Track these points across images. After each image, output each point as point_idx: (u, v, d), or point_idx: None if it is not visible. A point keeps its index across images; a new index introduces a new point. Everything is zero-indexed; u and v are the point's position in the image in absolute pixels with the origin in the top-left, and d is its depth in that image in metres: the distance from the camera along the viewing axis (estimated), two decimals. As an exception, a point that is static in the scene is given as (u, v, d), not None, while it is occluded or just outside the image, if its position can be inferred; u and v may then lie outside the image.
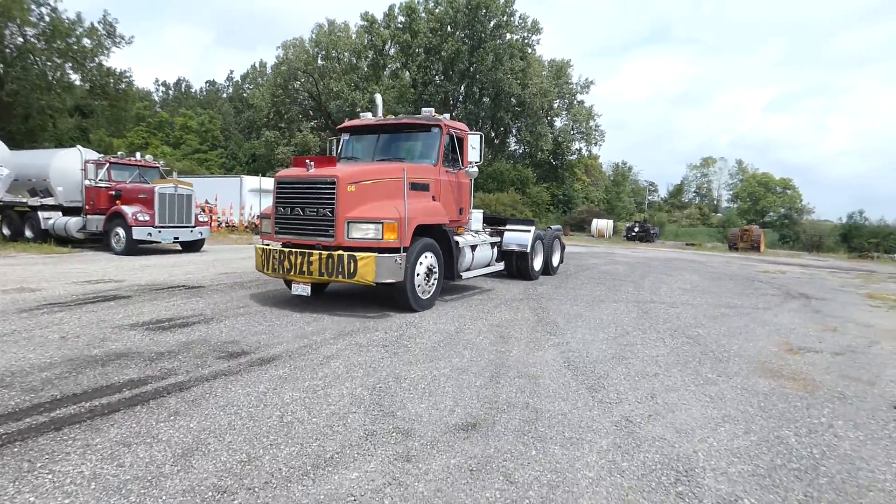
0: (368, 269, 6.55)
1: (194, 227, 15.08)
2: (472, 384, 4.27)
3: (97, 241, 15.37)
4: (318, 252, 6.79)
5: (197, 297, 7.69)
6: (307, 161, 7.12)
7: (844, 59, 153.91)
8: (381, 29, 72.82)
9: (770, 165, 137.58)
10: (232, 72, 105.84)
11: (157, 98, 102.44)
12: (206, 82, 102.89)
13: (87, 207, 15.09)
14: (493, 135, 77.59)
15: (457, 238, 8.21)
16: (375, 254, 6.61)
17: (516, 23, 68.48)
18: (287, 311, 6.87)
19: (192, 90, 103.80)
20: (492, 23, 67.08)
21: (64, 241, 15.57)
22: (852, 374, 5.09)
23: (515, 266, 10.90)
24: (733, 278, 14.52)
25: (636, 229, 48.36)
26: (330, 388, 4.04)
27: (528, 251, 10.75)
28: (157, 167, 16.40)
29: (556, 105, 77.38)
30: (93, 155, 16.51)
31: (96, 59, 56.16)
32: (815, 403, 4.19)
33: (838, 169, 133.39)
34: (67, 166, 15.84)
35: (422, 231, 7.33)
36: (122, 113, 63.33)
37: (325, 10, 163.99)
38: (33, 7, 50.59)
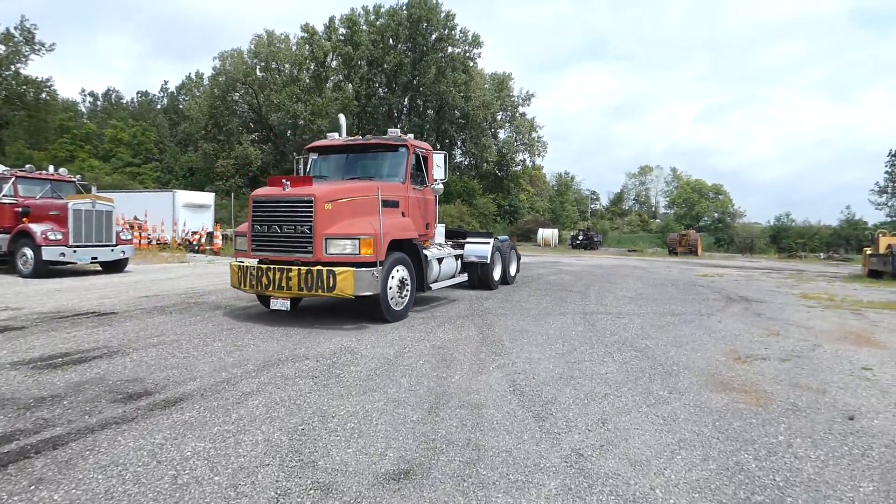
0: (347, 283, 6.82)
1: (115, 245, 13.90)
2: (408, 419, 3.81)
3: (4, 264, 13.92)
4: (296, 268, 7.00)
5: (105, 325, 6.86)
6: (283, 180, 7.33)
7: (764, 72, 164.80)
8: (323, 41, 71.82)
9: (702, 172, 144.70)
10: (166, 82, 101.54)
11: (83, 109, 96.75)
12: (138, 93, 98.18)
13: (-10, 227, 13.64)
14: (438, 146, 77.77)
15: (425, 252, 8.55)
16: (353, 268, 6.88)
17: (457, 36, 69.12)
18: (208, 340, 6.18)
19: (123, 101, 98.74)
20: (433, 36, 67.47)
21: (-35, 265, 14.01)
22: (802, 382, 4.97)
23: (477, 277, 11.25)
24: (675, 284, 14.74)
25: (580, 238, 49.40)
26: (243, 434, 3.48)
27: (489, 262, 11.18)
28: (73, 181, 15.08)
29: (499, 117, 78.51)
30: (-3, 169, 14.99)
31: (12, 66, 52.46)
32: (771, 419, 3.99)
33: (763, 174, 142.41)
34: (-32, 183, 14.33)
35: (394, 246, 7.61)
36: (41, 124, 59.39)
37: (265, 22, 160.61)
38: (-61, 11, 46.62)
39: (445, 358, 5.55)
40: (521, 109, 77.75)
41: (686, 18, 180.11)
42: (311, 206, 7.06)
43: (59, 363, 5.08)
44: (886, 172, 30.29)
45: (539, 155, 77.58)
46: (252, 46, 75.54)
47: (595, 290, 12.43)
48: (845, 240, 41.74)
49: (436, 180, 9.10)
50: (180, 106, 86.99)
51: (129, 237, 14.65)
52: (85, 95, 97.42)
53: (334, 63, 74.38)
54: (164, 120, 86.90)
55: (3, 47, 51.31)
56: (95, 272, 14.20)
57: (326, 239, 7.03)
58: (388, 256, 7.40)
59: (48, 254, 12.48)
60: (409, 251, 8.06)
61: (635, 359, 5.74)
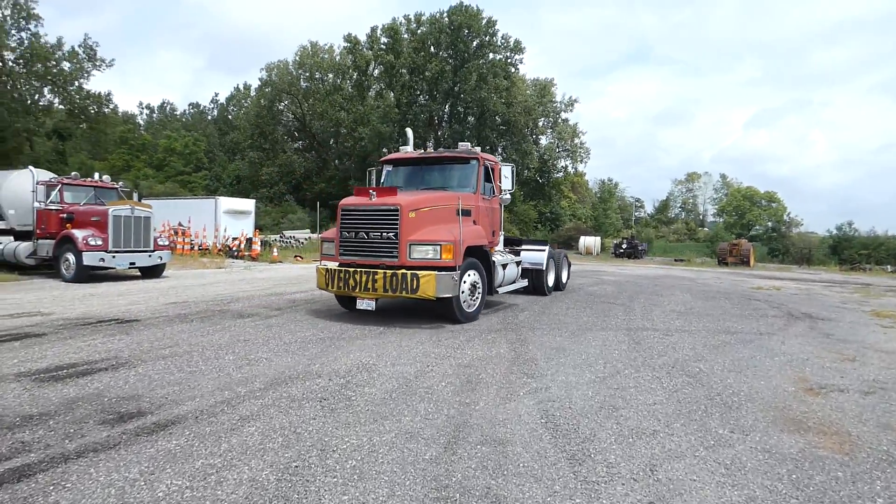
0: (430, 286, 7.37)
1: (153, 251, 14.01)
2: (419, 457, 3.28)
3: (51, 268, 14.25)
4: (382, 271, 7.58)
5: (123, 334, 6.64)
6: (370, 191, 7.95)
7: (819, 75, 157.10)
8: (365, 50, 72.77)
9: (753, 179, 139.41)
10: (217, 94, 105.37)
11: (141, 121, 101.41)
12: (190, 105, 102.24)
13: (37, 231, 13.99)
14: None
15: (493, 258, 9.08)
16: (436, 272, 7.42)
17: (499, 42, 68.68)
18: (220, 352, 5.85)
19: (177, 113, 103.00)
20: (474, 43, 67.24)
21: (16, 267, 14.42)
22: (893, 423, 4.17)
23: (531, 282, 11.61)
24: (728, 297, 13.69)
25: (624, 246, 47.78)
26: (227, 471, 3.03)
27: (543, 269, 11.80)
28: (116, 188, 15.34)
29: (540, 123, 77.48)
30: (45, 176, 15.42)
31: (76, 82, 55.30)
32: (861, 473, 3.26)
33: (818, 181, 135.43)
34: (19, 188, 14.79)
35: (467, 252, 8.05)
36: (101, 136, 62.32)
37: (310, 33, 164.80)
38: (13, 32, 49.71)
39: (471, 380, 5.00)
40: (563, 115, 76.46)
41: (735, 21, 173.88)
42: (396, 215, 7.65)
43: (62, 375, 4.81)
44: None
45: (581, 161, 76.05)
46: (297, 57, 77.43)
47: (640, 302, 11.60)
48: (916, 251, 38.76)
49: (504, 191, 9.71)
50: (229, 116, 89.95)
51: (167, 243, 14.75)
52: (142, 108, 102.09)
53: (376, 72, 75.24)
54: (214, 130, 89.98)
55: (68, 64, 54.27)
56: (134, 277, 14.37)
57: (410, 245, 7.60)
58: (462, 261, 7.88)
59: (89, 259, 12.65)
60: (479, 257, 8.52)
61: (688, 386, 5.03)
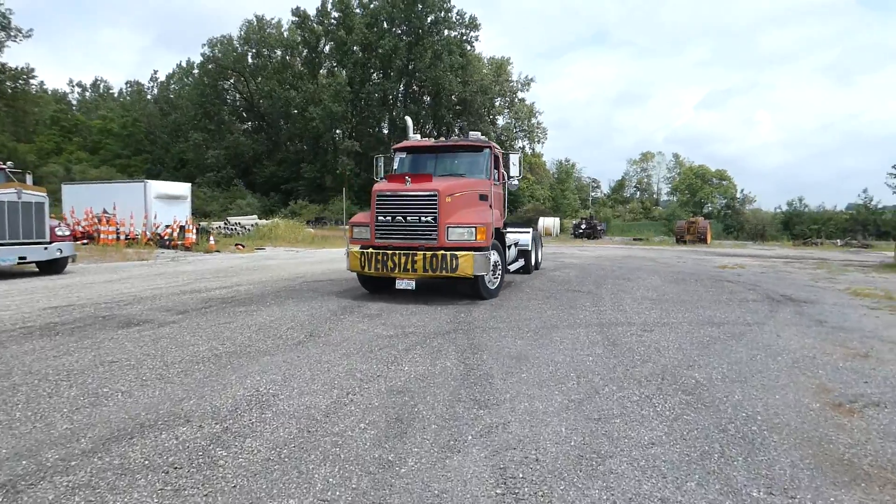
0: (468, 265, 7.89)
1: (49, 243, 11.99)
2: None
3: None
4: (422, 252, 8.01)
5: (-53, 359, 4.97)
6: (406, 177, 8.37)
7: (766, 58, 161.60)
8: (315, 25, 69.44)
9: (703, 159, 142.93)
10: (156, 72, 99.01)
11: (73, 101, 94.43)
12: (128, 83, 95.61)
13: None
14: (435, 133, 75.52)
15: (506, 239, 9.77)
16: (473, 252, 7.93)
17: (454, 19, 66.75)
18: (63, 384, 4.29)
19: (112, 91, 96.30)
20: (429, 18, 65.08)
21: None
22: (972, 463, 3.07)
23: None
24: (697, 279, 12.83)
25: (583, 226, 47.39)
26: None
27: (530, 249, 12.37)
28: (3, 169, 13.11)
29: (497, 103, 76.28)
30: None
31: (-15, 54, 50.08)
32: None
33: (764, 160, 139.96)
34: None
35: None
36: (23, 115, 57.15)
37: (256, 7, 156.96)
38: None
39: (402, 415, 3.65)
40: (520, 95, 75.55)
41: (688, 4, 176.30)
42: (435, 200, 8.09)
43: None
44: (906, 154, 28.07)
45: (539, 142, 75.72)
46: (242, 32, 73.29)
47: (608, 289, 10.52)
48: (862, 225, 39.67)
49: (512, 177, 10.23)
50: (170, 96, 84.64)
51: (67, 233, 12.71)
52: (73, 86, 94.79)
53: (327, 48, 72.00)
54: (155, 110, 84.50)
55: (-25, 34, 49.07)
56: (30, 273, 12.32)
57: (448, 227, 8.10)
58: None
59: (-39, 254, 10.61)
60: (496, 239, 8.95)
61: (688, 409, 3.83)
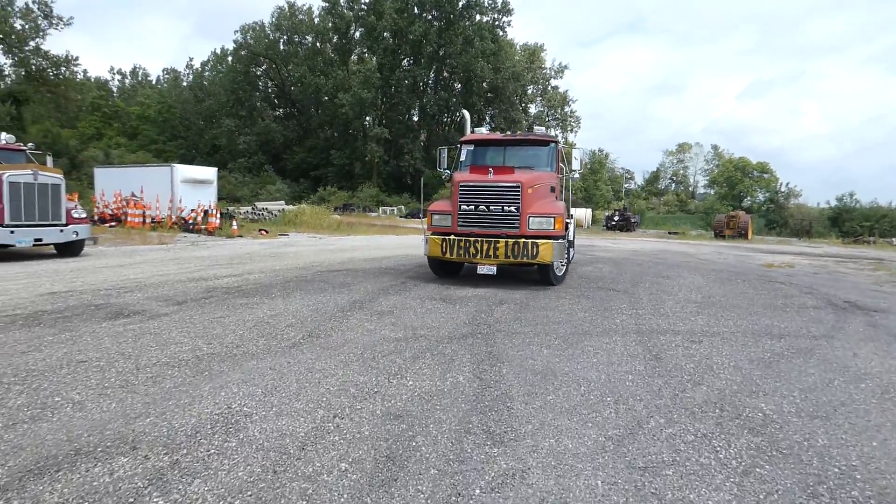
0: (548, 252, 8.31)
1: (66, 225, 11.70)
2: None
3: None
4: (504, 239, 8.43)
5: None
6: (489, 169, 8.88)
7: (814, 47, 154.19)
8: (345, 11, 68.91)
9: (743, 151, 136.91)
10: (191, 59, 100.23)
11: (114, 88, 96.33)
12: (164, 70, 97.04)
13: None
14: (466, 121, 74.37)
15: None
16: (552, 240, 8.34)
17: (486, 3, 65.23)
18: (10, 391, 3.72)
19: (150, 78, 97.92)
20: (461, 3, 63.73)
21: None
22: None
23: None
24: (744, 278, 11.75)
25: (616, 218, 45.82)
26: None
27: (573, 240, 11.85)
28: (24, 150, 12.90)
29: (529, 91, 74.68)
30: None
31: (31, 42, 51.24)
32: None
33: (808, 153, 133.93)
34: None
35: None
36: (65, 101, 58.35)
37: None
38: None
39: (395, 453, 2.93)
40: (553, 82, 73.69)
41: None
42: (518, 191, 8.56)
43: None
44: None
45: (572, 130, 73.75)
46: (274, 19, 73.36)
47: (645, 288, 9.59)
48: (921, 223, 37.14)
49: (573, 171, 10.57)
50: (204, 83, 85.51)
51: (83, 215, 12.41)
52: (113, 74, 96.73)
53: (357, 34, 71.46)
54: (190, 97, 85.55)
55: (21, 22, 50.13)
56: (48, 255, 12.10)
57: (530, 217, 8.55)
58: None
59: (-25, 235, 10.37)
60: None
61: (760, 458, 3.01)
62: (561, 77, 74.93)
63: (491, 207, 8.69)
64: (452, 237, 8.74)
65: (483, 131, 11.45)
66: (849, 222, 39.20)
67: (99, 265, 10.53)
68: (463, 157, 10.25)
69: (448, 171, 10.69)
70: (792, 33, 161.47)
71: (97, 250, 13.32)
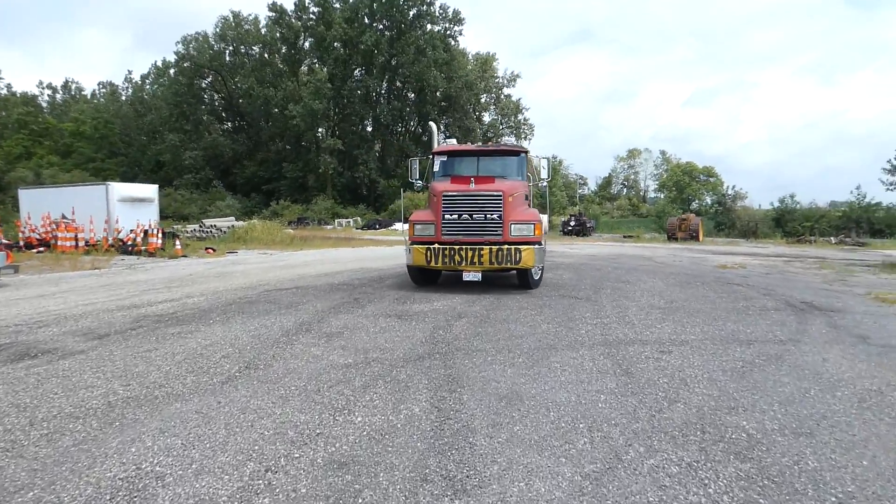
0: (530, 257, 8.81)
1: (-22, 253, 10.59)
2: None
3: None
4: (487, 247, 8.75)
5: None
6: (471, 179, 9.26)
7: (752, 57, 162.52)
8: (293, 21, 67.78)
9: (690, 156, 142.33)
10: (130, 72, 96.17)
11: (44, 103, 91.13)
12: (100, 84, 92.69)
13: None
14: (420, 130, 74.24)
15: None
16: (534, 246, 8.87)
17: (437, 13, 65.51)
18: None
19: (84, 93, 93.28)
20: (411, 13, 63.76)
21: None
22: None
23: None
24: (703, 281, 11.77)
25: (572, 223, 46.36)
26: None
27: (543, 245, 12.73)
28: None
29: (483, 99, 75.22)
30: None
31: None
32: None
33: (750, 157, 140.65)
34: None
35: None
36: (-16, 119, 54.64)
37: (232, 3, 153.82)
38: None
39: (338, 515, 2.44)
40: (506, 91, 74.53)
41: (673, 2, 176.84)
42: (500, 199, 8.90)
43: None
44: (900, 149, 27.59)
45: (526, 138, 74.62)
46: (218, 29, 71.42)
47: (608, 294, 9.38)
48: (855, 222, 39.07)
49: (542, 179, 10.92)
50: (145, 97, 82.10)
51: (2, 241, 11.30)
52: (43, 88, 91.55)
53: (307, 45, 70.35)
54: (130, 111, 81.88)
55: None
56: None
57: (512, 224, 8.90)
58: None
59: None
60: None
61: (752, 490, 2.67)
62: (513, 86, 75.88)
63: (474, 216, 9.00)
64: (437, 246, 8.93)
65: (453, 142, 11.92)
66: (791, 223, 40.90)
67: (15, 297, 9.51)
68: (437, 168, 10.51)
69: (420, 182, 10.99)
70: (731, 44, 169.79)
71: (17, 280, 12.14)
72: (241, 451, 3.06)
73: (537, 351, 5.35)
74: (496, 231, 8.92)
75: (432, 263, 8.97)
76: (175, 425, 3.44)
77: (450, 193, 9.17)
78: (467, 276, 9.00)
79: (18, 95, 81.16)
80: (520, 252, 8.70)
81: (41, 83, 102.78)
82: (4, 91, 77.72)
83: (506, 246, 8.75)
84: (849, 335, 6.27)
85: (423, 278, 10.08)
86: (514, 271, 9.42)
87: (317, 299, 8.56)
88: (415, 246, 9.13)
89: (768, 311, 7.81)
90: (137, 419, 3.55)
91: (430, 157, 10.90)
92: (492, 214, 8.93)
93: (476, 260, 8.75)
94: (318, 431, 3.35)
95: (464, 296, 8.94)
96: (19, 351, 5.38)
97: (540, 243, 9.11)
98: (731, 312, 7.70)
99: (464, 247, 8.83)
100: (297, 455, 3.02)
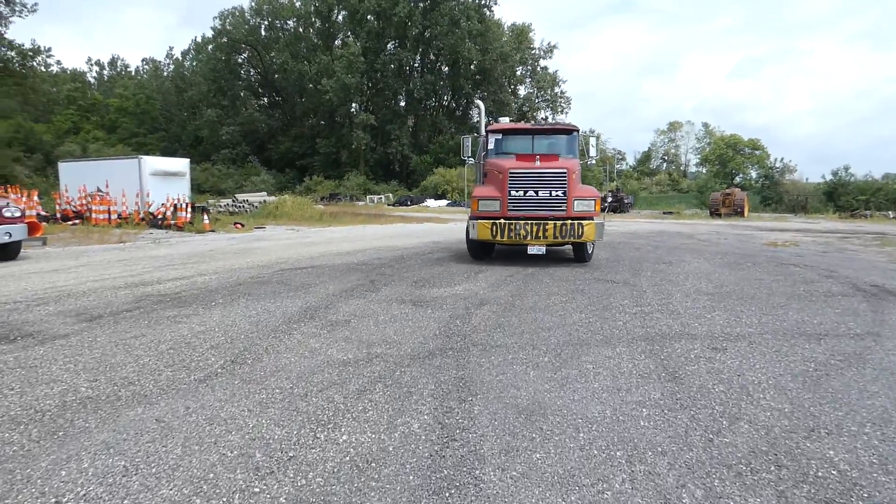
0: (592, 231, 9.20)
1: (-3, 226, 10.44)
2: None
3: None
4: (552, 221, 9.18)
5: None
6: (536, 157, 9.66)
7: (801, 24, 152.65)
8: (326, -8, 66.69)
9: (734, 128, 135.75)
10: (171, 48, 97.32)
11: (91, 79, 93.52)
12: (144, 60, 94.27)
13: None
14: (454, 105, 72.76)
15: None
16: (594, 221, 9.25)
17: (472, -20, 63.18)
18: None
19: (129, 69, 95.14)
20: (445, -19, 61.65)
21: None
22: None
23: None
24: (753, 260, 10.71)
25: (609, 199, 44.64)
26: None
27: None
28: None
29: (518, 72, 73.04)
30: None
31: (-7, 29, 48.76)
32: None
33: (797, 129, 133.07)
34: None
35: None
36: (32, 94, 56.16)
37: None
38: None
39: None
40: (542, 63, 72.05)
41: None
42: (565, 176, 9.26)
43: None
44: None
45: (562, 112, 72.26)
46: (254, 4, 71.02)
47: (648, 277, 8.51)
48: (917, 196, 36.26)
49: (590, 157, 10.98)
50: (185, 73, 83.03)
51: (18, 214, 11.14)
52: (91, 65, 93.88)
53: (340, 17, 69.35)
54: (171, 87, 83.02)
55: (-23, 10, 47.64)
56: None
57: (575, 200, 9.24)
58: None
59: None
60: None
61: (862, 567, 1.92)
62: (550, 57, 73.32)
63: (539, 193, 9.31)
64: (503, 221, 9.23)
65: (506, 121, 11.99)
66: (844, 196, 38.29)
67: (30, 270, 9.31)
68: (491, 146, 10.64)
69: (472, 159, 11.28)
70: (778, 11, 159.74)
71: (41, 253, 12.06)
72: (190, 481, 2.48)
73: (567, 347, 4.61)
74: (561, 207, 9.23)
75: (498, 238, 9.24)
76: (126, 439, 2.89)
77: (516, 170, 9.39)
78: (532, 250, 9.31)
79: (68, 72, 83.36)
80: (582, 227, 9.04)
81: (90, 60, 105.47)
82: (55, 68, 79.79)
83: (569, 221, 9.10)
84: (942, 331, 5.29)
85: (483, 251, 10.35)
86: (570, 246, 9.83)
87: (330, 281, 8.00)
88: (480, 221, 9.35)
89: (834, 297, 6.83)
90: (87, 428, 3.02)
91: (485, 134, 11.04)
92: (557, 191, 9.25)
93: (541, 234, 9.10)
94: (290, 454, 2.74)
95: (490, 278, 8.23)
96: (1, 333, 4.98)
97: (598, 218, 9.37)
98: (791, 298, 6.75)
99: (529, 222, 9.15)
100: (257, 490, 2.42)
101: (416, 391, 3.59)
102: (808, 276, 8.67)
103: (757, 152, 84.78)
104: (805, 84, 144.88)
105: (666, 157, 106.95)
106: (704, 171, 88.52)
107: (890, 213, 33.26)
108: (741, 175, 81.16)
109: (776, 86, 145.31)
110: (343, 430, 3.01)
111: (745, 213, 35.31)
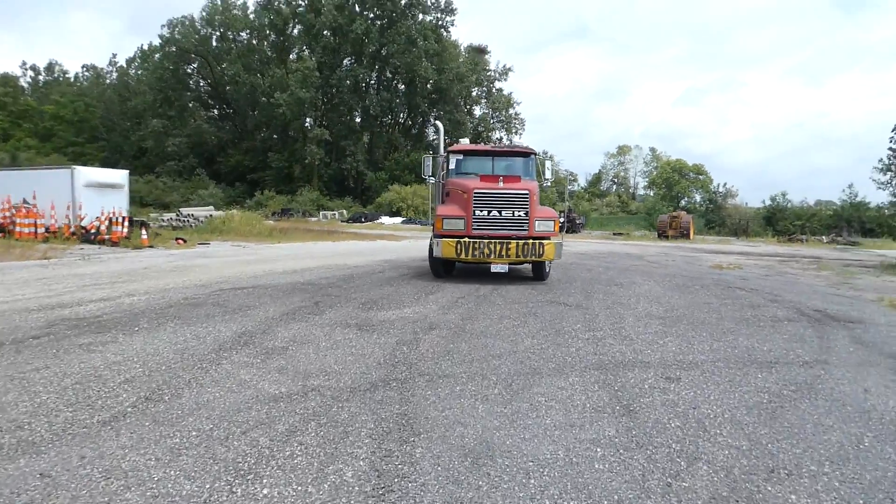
0: (551, 251, 9.62)
1: None
2: None
3: None
4: (514, 241, 9.46)
5: None
6: (500, 178, 9.99)
7: (741, 58, 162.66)
8: (282, 7, 66.04)
9: (679, 154, 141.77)
10: (115, 55, 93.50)
11: (25, 84, 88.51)
12: (84, 67, 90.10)
13: None
14: (410, 123, 72.92)
15: None
16: (554, 241, 9.72)
17: (429, 2, 64.07)
18: None
19: (68, 75, 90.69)
20: (403, 1, 62.20)
21: None
22: None
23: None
24: (700, 283, 10.90)
25: (562, 220, 45.50)
26: None
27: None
28: None
29: (474, 93, 74.06)
30: None
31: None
32: None
33: (737, 156, 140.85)
34: None
35: None
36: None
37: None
38: None
39: None
40: (497, 84, 73.34)
41: (665, 1, 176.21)
42: (527, 197, 9.65)
43: None
44: (890, 149, 27.01)
45: (517, 133, 73.58)
46: (205, 13, 69.43)
47: (600, 300, 8.45)
48: (847, 221, 38.64)
49: (546, 179, 11.80)
50: (130, 82, 79.87)
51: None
52: (26, 69, 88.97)
53: (296, 31, 68.63)
54: (114, 96, 79.55)
55: None
56: None
57: (536, 220, 9.69)
58: None
59: None
60: None
61: None
62: (505, 79, 74.69)
63: (503, 212, 9.61)
64: (467, 239, 9.44)
65: (466, 142, 12.50)
66: (782, 221, 40.42)
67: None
68: (452, 165, 10.94)
69: (433, 178, 11.48)
70: (720, 45, 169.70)
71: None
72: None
73: (518, 378, 4.37)
74: (523, 227, 9.57)
75: (462, 256, 9.43)
76: (45, 485, 2.41)
77: (481, 190, 9.65)
78: (495, 268, 9.66)
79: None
80: (543, 246, 9.41)
81: (24, 64, 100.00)
82: (-21, 71, 75.26)
83: (531, 240, 9.43)
84: (881, 354, 5.39)
85: (446, 269, 10.50)
86: (528, 264, 10.29)
87: (272, 302, 7.53)
88: (444, 239, 9.49)
89: (781, 322, 6.91)
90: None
91: (446, 154, 11.40)
92: (519, 211, 9.57)
93: (504, 253, 9.34)
94: (200, 513, 2.34)
95: (441, 300, 7.96)
96: None
97: (556, 238, 9.76)
98: (739, 323, 6.79)
99: (493, 241, 9.40)
100: (149, 564, 2.02)
101: (353, 431, 3.25)
102: (754, 301, 8.83)
103: (701, 177, 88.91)
104: (745, 114, 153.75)
105: (615, 180, 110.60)
106: (652, 193, 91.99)
107: (824, 237, 35.27)
108: (686, 199, 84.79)
109: (718, 115, 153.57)
110: (265, 481, 2.64)
111: (691, 236, 36.63)
